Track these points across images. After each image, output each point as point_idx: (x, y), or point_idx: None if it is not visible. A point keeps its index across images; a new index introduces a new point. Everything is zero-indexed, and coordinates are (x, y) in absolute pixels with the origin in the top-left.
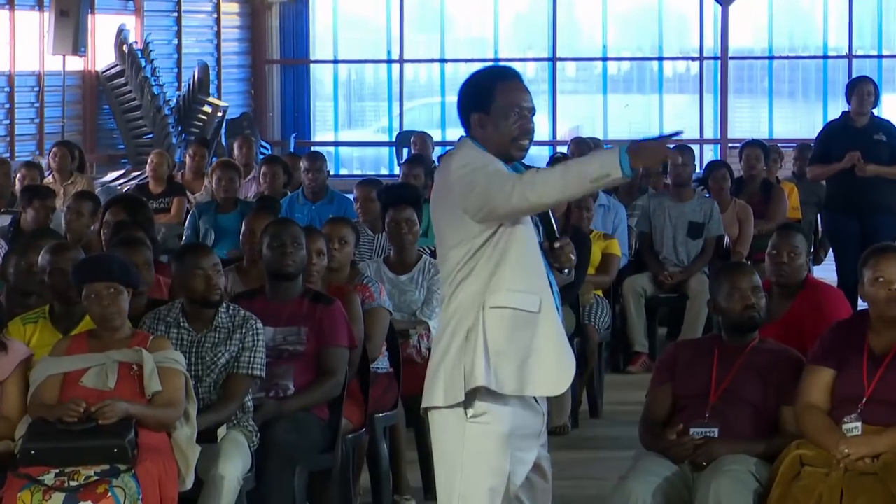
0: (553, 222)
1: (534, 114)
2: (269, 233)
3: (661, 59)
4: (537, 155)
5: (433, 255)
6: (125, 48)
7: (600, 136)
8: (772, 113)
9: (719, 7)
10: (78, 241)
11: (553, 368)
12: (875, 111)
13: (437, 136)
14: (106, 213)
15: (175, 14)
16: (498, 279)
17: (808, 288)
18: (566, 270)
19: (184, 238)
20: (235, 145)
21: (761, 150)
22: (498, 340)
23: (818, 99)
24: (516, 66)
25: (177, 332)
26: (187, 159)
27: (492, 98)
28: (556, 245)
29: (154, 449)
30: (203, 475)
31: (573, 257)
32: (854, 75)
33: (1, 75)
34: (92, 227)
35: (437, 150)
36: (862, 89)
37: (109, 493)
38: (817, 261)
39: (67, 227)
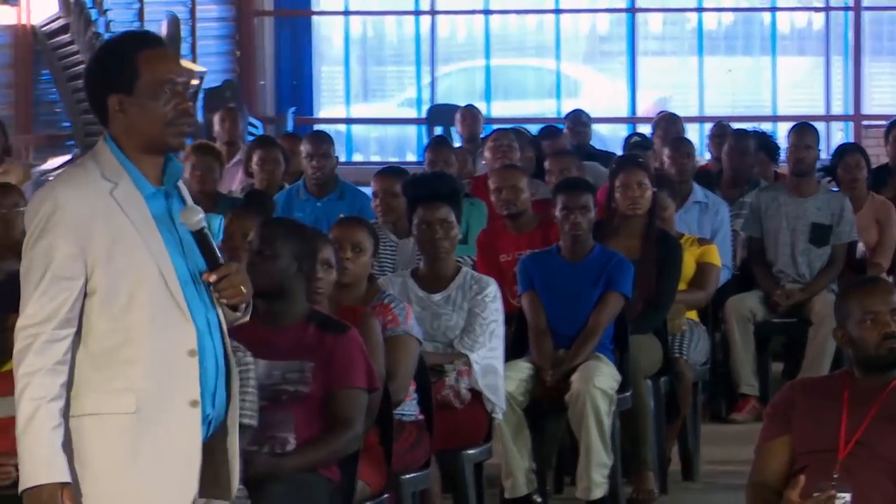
0: (214, 246)
1: (189, 90)
2: (258, 237)
3: (774, 9)
4: (612, 137)
5: (476, 267)
6: None
7: (695, 111)
8: None
9: None
10: (6, 249)
11: None
12: None
13: (480, 110)
14: None
15: None
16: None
17: None
18: (241, 307)
19: None
20: (216, 119)
21: None
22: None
23: None
24: (585, 17)
25: None
26: None
27: (134, 73)
28: (213, 278)
29: None
30: None
31: (245, 290)
32: None
33: None
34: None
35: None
36: None
37: None
38: None
39: None
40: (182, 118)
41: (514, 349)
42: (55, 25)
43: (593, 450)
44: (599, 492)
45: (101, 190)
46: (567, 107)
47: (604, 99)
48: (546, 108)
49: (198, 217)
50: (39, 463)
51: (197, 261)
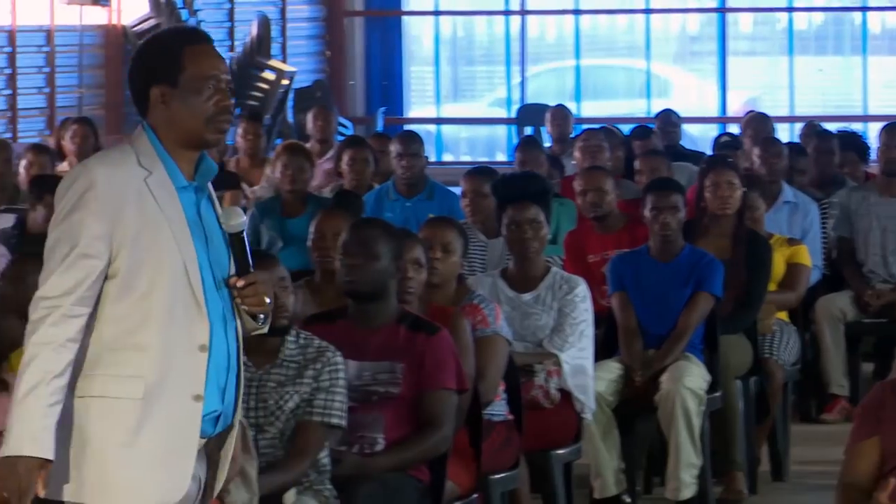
0: (247, 249)
1: (232, 89)
2: (343, 239)
3: (864, 8)
4: (701, 137)
5: (564, 267)
6: None
7: (785, 111)
8: None
9: None
10: None
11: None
12: None
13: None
14: None
15: None
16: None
17: None
18: (261, 317)
19: None
20: (310, 117)
21: None
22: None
23: None
24: (675, 17)
25: None
26: (239, 140)
27: (180, 66)
28: (240, 283)
29: None
30: None
31: (268, 301)
32: None
33: None
34: None
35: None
36: None
37: None
38: None
39: None
40: (223, 115)
41: (604, 349)
42: (146, 26)
43: (682, 450)
44: (688, 492)
45: (136, 175)
46: (657, 107)
47: (694, 99)
48: (636, 108)
49: (239, 220)
50: (27, 435)
51: (221, 261)
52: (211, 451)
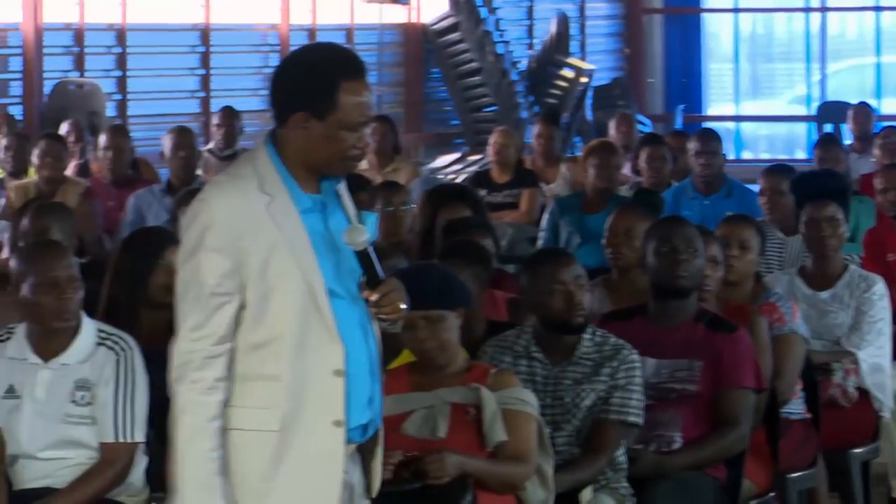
0: (374, 260)
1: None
2: (656, 235)
3: None
4: None
5: (864, 265)
6: None
7: None
8: None
9: None
10: (394, 246)
11: None
12: None
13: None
14: (435, 210)
15: None
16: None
17: None
18: (397, 324)
19: (539, 241)
20: (612, 124)
21: None
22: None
23: None
24: None
25: (527, 364)
26: (534, 141)
27: (333, 103)
28: (373, 297)
29: None
30: None
31: (403, 307)
32: None
33: (299, 30)
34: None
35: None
36: None
37: None
38: None
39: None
40: (358, 154)
41: None
42: (445, 24)
43: None
44: None
45: (257, 203)
46: None
47: None
48: None
49: (362, 238)
50: (197, 484)
51: (354, 269)
52: (364, 452)
